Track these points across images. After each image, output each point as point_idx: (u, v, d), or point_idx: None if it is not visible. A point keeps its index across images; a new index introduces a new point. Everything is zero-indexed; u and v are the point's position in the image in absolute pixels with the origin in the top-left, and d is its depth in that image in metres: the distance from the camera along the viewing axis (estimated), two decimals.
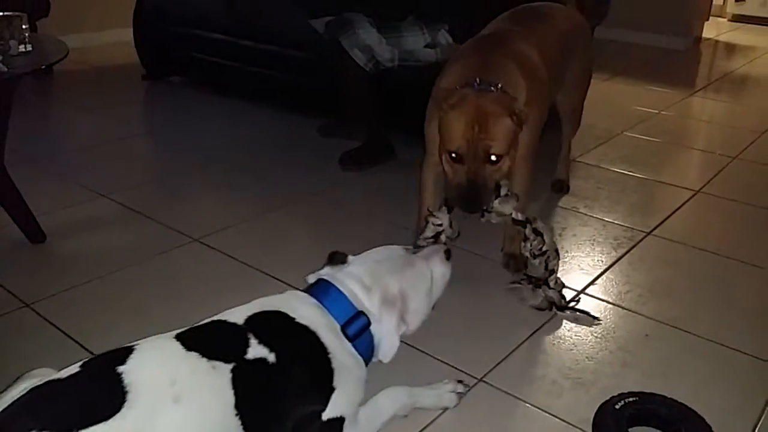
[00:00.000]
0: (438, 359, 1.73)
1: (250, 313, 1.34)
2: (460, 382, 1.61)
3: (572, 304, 1.96)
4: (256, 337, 1.28)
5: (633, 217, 2.60)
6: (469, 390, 1.62)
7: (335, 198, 2.69)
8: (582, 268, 2.23)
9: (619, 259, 2.29)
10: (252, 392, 1.22)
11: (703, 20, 6.37)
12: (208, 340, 1.27)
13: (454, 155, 1.77)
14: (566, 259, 2.28)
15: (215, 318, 1.34)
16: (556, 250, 1.94)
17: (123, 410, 1.08)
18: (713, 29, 6.72)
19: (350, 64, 2.87)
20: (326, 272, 1.49)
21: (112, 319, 1.88)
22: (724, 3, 7.41)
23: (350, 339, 1.40)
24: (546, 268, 1.91)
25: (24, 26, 2.29)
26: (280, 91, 3.71)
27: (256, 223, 2.47)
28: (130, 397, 1.10)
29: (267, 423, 1.26)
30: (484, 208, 1.80)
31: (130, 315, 1.90)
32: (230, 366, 1.21)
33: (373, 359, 1.47)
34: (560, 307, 1.92)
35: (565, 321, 1.93)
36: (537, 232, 1.86)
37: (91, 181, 2.74)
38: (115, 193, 2.64)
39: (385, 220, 2.49)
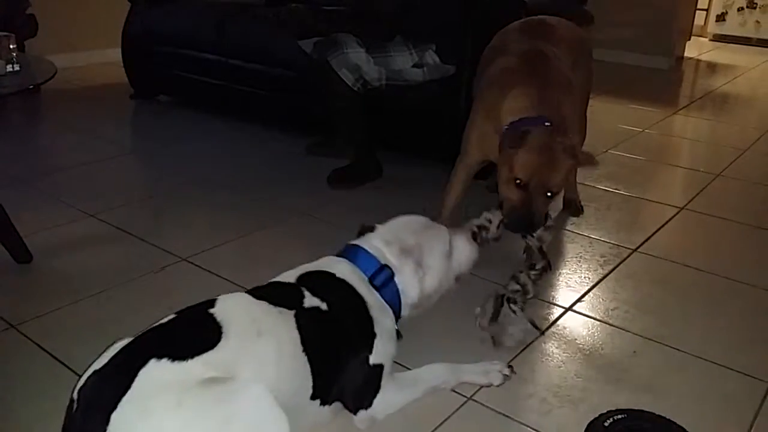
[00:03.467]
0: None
1: (298, 273, 1.57)
2: (509, 366, 1.74)
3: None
4: (309, 290, 1.50)
5: (619, 234, 2.62)
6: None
7: (324, 216, 2.70)
8: (569, 285, 2.24)
9: (605, 276, 2.30)
10: (312, 334, 1.42)
11: (685, 40, 6.47)
12: (271, 294, 1.47)
13: (518, 181, 1.93)
14: (553, 277, 2.29)
15: (270, 281, 1.57)
16: (549, 262, 1.97)
17: (222, 341, 1.28)
18: (695, 49, 6.82)
19: (339, 83, 2.88)
20: (356, 240, 1.71)
21: (99, 341, 1.83)
22: (705, 23, 7.53)
23: (377, 289, 1.61)
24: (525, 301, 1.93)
25: (12, 46, 2.30)
26: (269, 110, 3.72)
27: (245, 241, 2.47)
28: (224, 330, 1.30)
29: (326, 362, 1.45)
30: (531, 231, 1.94)
31: (117, 336, 1.88)
32: (293, 311, 1.43)
33: (403, 313, 1.68)
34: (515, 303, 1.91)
35: (553, 339, 1.93)
36: (543, 270, 1.92)
37: (78, 201, 2.73)
38: (102, 213, 2.63)
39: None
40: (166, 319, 1.35)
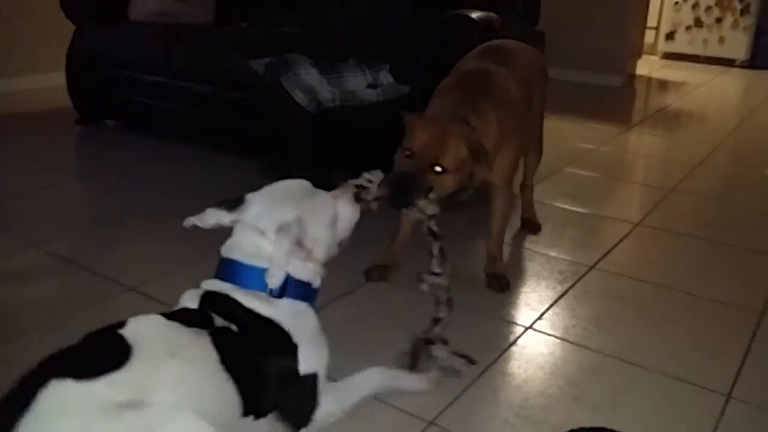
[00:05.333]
0: (386, 403, 1.68)
1: (200, 294, 1.48)
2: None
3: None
4: (216, 314, 1.42)
5: (576, 251, 2.63)
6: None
7: None
8: (528, 304, 2.23)
9: (564, 293, 2.29)
10: (230, 351, 1.35)
11: (636, 58, 6.62)
12: (181, 317, 1.39)
13: (407, 152, 1.93)
14: (512, 295, 2.28)
15: (177, 309, 1.47)
16: (450, 300, 1.83)
17: (131, 362, 1.20)
18: (646, 66, 6.98)
19: (292, 104, 2.85)
20: (228, 245, 1.56)
21: None
22: (655, 41, 7.73)
23: (279, 296, 1.47)
24: (436, 311, 1.83)
25: None
26: (220, 133, 3.66)
27: (196, 268, 2.36)
28: (134, 351, 1.22)
29: (250, 379, 1.37)
30: (410, 202, 1.88)
31: None
32: (207, 331, 1.36)
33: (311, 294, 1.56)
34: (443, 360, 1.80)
35: (513, 358, 1.91)
36: (443, 254, 1.85)
37: (20, 232, 2.62)
38: (46, 243, 2.53)
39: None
40: (72, 343, 1.27)
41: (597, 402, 1.73)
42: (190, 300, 1.48)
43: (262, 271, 1.46)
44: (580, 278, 2.40)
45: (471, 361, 1.81)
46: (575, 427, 1.60)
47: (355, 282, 2.28)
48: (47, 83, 4.85)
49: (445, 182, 1.92)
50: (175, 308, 1.47)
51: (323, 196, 1.61)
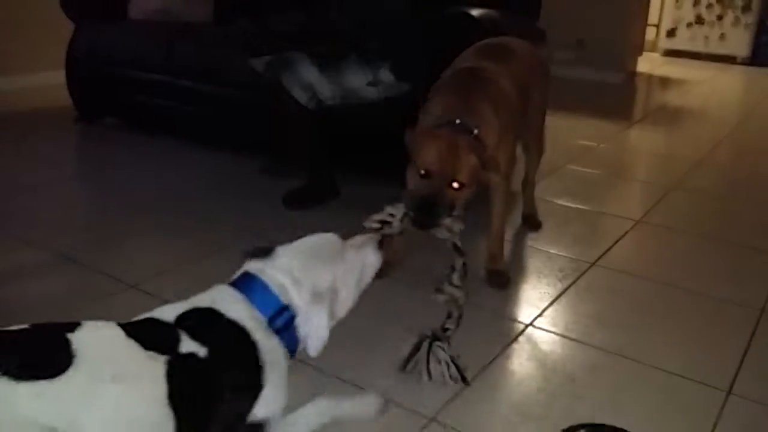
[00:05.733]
0: (387, 400, 1.68)
1: (180, 311, 1.35)
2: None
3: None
4: (188, 333, 1.29)
5: (577, 248, 2.63)
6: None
7: (279, 238, 2.63)
8: (529, 301, 2.23)
9: (565, 290, 2.30)
10: (184, 386, 1.24)
11: (637, 55, 6.62)
12: (144, 333, 1.27)
13: (423, 172, 1.94)
14: (513, 292, 2.28)
15: (147, 316, 1.35)
16: (460, 317, 1.81)
17: (69, 372, 1.09)
18: (647, 64, 6.98)
19: (292, 102, 2.85)
20: (254, 266, 1.47)
21: None
22: (656, 38, 7.73)
23: (276, 332, 1.40)
24: (444, 323, 1.81)
25: None
26: (220, 131, 3.67)
27: (196, 266, 2.40)
28: (76, 362, 1.11)
29: (197, 419, 1.27)
30: (436, 222, 1.87)
31: None
32: (164, 358, 1.23)
33: (298, 350, 1.48)
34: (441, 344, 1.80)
35: (515, 355, 1.92)
36: (465, 271, 1.83)
37: (21, 229, 2.63)
38: (47, 240, 2.53)
39: None
40: (16, 327, 1.15)
41: (597, 398, 1.73)
42: (168, 312, 1.36)
43: (278, 302, 1.41)
44: (581, 275, 2.40)
45: (463, 378, 1.76)
46: (576, 423, 1.60)
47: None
48: (47, 81, 4.85)
49: (463, 196, 1.95)
50: (144, 317, 1.37)
51: (352, 255, 1.55)
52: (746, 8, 7.13)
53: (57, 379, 1.08)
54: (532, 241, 2.68)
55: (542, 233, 2.75)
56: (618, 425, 1.59)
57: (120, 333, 1.23)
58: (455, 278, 1.78)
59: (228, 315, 1.36)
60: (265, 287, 1.42)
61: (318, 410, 1.55)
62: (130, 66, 3.83)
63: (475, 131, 2.02)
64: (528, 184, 2.80)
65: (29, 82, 4.95)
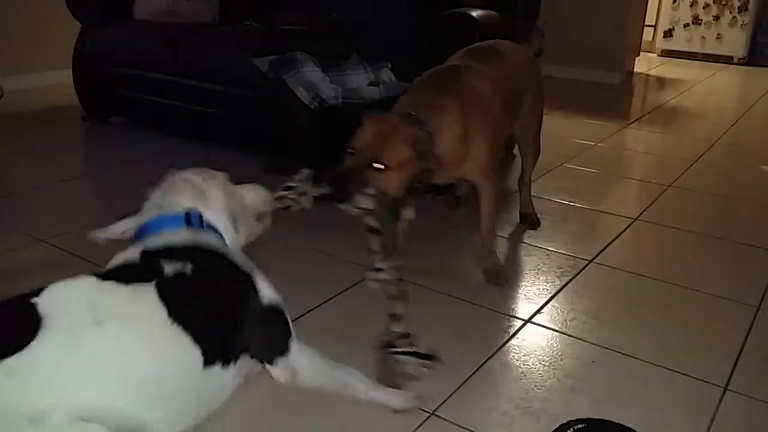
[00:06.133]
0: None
1: (137, 252, 1.38)
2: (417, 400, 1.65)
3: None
4: (165, 258, 1.31)
5: (575, 245, 2.66)
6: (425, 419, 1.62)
7: (279, 236, 2.67)
8: (528, 297, 2.26)
9: (563, 287, 2.33)
10: (183, 300, 1.25)
11: (634, 55, 6.64)
12: (121, 273, 1.29)
13: (351, 150, 1.93)
14: (512, 289, 2.31)
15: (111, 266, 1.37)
16: (405, 292, 1.80)
17: (37, 340, 1.05)
18: (644, 64, 7.01)
19: (295, 102, 2.88)
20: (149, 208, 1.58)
21: None
22: (653, 39, 7.75)
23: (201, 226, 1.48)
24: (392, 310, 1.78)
25: None
26: (225, 131, 3.70)
27: None
28: (45, 325, 1.07)
29: (209, 323, 1.29)
30: (346, 197, 1.84)
31: None
32: (153, 283, 1.24)
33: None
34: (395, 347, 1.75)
35: (513, 351, 1.95)
36: (385, 249, 1.82)
37: (30, 226, 2.66)
38: (55, 238, 2.56)
39: (331, 255, 2.48)
40: None
41: (595, 394, 1.76)
42: (128, 253, 1.39)
43: (181, 215, 1.48)
44: (579, 272, 2.44)
45: (435, 359, 1.73)
46: (574, 418, 1.63)
47: (357, 276, 2.30)
48: (54, 80, 4.88)
49: (388, 180, 1.89)
50: (111, 265, 1.37)
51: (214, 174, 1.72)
52: (743, 9, 7.16)
53: (26, 349, 1.04)
54: (531, 238, 2.72)
55: (540, 231, 2.78)
56: (616, 421, 1.62)
57: (93, 281, 1.22)
58: (376, 260, 1.78)
59: (182, 241, 1.40)
60: (159, 218, 1.49)
61: (351, 373, 1.58)
62: (136, 66, 3.86)
63: (429, 126, 2.00)
64: (524, 183, 2.81)
65: (36, 82, 4.97)
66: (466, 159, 2.13)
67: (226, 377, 1.33)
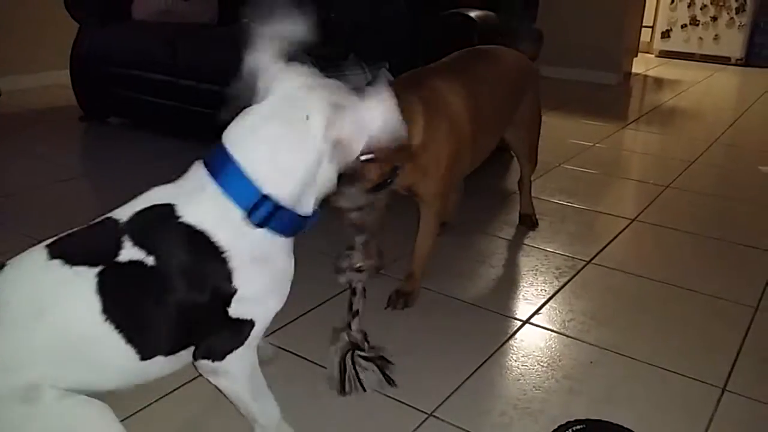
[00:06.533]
0: (386, 395, 1.72)
1: (138, 208, 1.25)
2: None
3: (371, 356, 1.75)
4: (134, 238, 1.18)
5: (573, 246, 2.66)
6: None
7: None
8: (526, 298, 2.26)
9: (561, 287, 2.33)
10: (124, 295, 1.16)
11: (632, 56, 6.65)
12: (78, 245, 1.20)
13: None
14: (510, 290, 2.31)
15: (97, 221, 1.27)
16: (365, 290, 1.75)
17: None
18: (642, 65, 7.02)
19: None
20: (233, 136, 1.27)
21: None
22: (650, 39, 7.76)
23: (259, 225, 1.23)
24: (350, 303, 1.74)
25: None
26: (222, 130, 3.68)
27: None
28: None
29: (155, 323, 1.19)
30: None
31: None
32: (96, 269, 1.15)
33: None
34: (362, 351, 1.72)
35: (511, 352, 1.94)
36: (366, 248, 1.74)
37: (27, 227, 2.65)
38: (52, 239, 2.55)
39: (327, 255, 2.47)
40: None
41: (594, 394, 1.76)
42: (126, 211, 1.26)
43: (255, 190, 1.21)
44: (578, 273, 2.44)
45: (389, 381, 1.72)
46: (572, 419, 1.63)
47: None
48: (52, 81, 4.88)
49: (370, 171, 1.80)
50: (102, 217, 1.27)
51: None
52: (740, 10, 7.17)
53: None
54: (529, 239, 2.72)
55: (538, 232, 2.78)
56: (614, 421, 1.62)
57: (40, 260, 1.16)
58: (356, 258, 1.70)
59: (185, 217, 1.21)
60: (238, 171, 1.21)
61: (264, 412, 1.43)
62: (134, 66, 3.85)
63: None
64: (523, 183, 2.79)
65: (34, 82, 4.97)
66: (423, 172, 2.00)
67: (168, 361, 1.25)
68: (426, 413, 1.66)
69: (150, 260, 1.17)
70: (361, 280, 1.71)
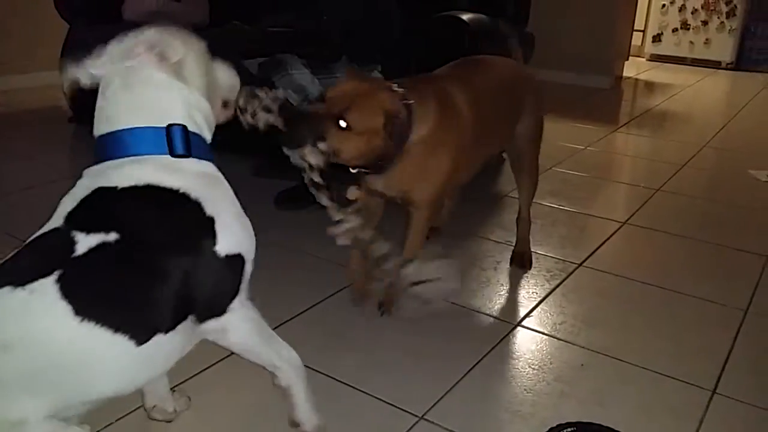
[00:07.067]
0: (377, 398, 1.71)
1: (68, 209, 1.18)
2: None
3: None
4: (82, 229, 1.12)
5: (564, 249, 2.66)
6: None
7: (271, 237, 2.66)
8: (517, 301, 2.26)
9: (552, 290, 2.33)
10: (96, 285, 1.09)
11: (623, 60, 6.67)
12: (19, 268, 1.10)
13: (324, 98, 1.79)
14: (501, 292, 2.31)
15: (29, 240, 1.18)
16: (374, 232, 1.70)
17: None
18: (633, 68, 7.05)
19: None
20: (101, 118, 1.30)
21: None
22: (642, 43, 7.80)
23: (186, 154, 1.23)
24: (368, 254, 1.68)
25: None
26: (213, 132, 3.67)
27: None
28: None
29: (140, 297, 1.13)
30: (294, 144, 1.69)
31: None
32: (54, 276, 1.06)
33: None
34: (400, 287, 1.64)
35: (503, 355, 1.94)
36: (337, 199, 1.69)
37: (16, 229, 2.63)
38: None
39: (319, 258, 2.47)
40: None
41: (584, 397, 1.76)
42: (53, 222, 1.19)
43: (157, 128, 1.22)
44: (569, 276, 2.44)
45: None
46: (563, 422, 1.63)
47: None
48: (41, 81, 4.84)
49: (346, 142, 1.74)
50: (25, 243, 1.18)
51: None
52: (731, 14, 7.21)
53: None
54: None
55: (530, 234, 2.77)
56: (605, 424, 1.62)
57: None
58: (332, 214, 1.67)
59: (122, 184, 1.18)
60: (134, 132, 1.23)
61: (281, 355, 1.39)
62: None
63: (413, 109, 1.83)
64: (522, 220, 2.51)
65: (23, 83, 4.93)
66: (417, 175, 1.93)
67: (172, 341, 1.18)
68: (417, 416, 1.65)
69: (111, 237, 1.11)
70: (355, 227, 1.65)
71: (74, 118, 4.15)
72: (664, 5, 7.54)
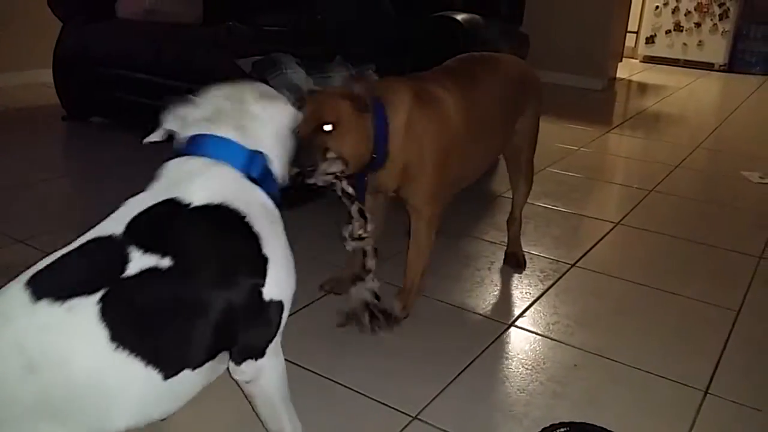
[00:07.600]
0: (371, 398, 1.71)
1: (132, 215, 1.13)
2: None
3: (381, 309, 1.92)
4: (140, 245, 1.06)
5: (558, 249, 2.67)
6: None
7: None
8: (511, 301, 2.26)
9: (546, 291, 2.33)
10: (137, 312, 1.03)
11: (617, 61, 6.70)
12: (65, 275, 1.04)
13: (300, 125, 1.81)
14: (495, 292, 2.31)
15: (89, 237, 1.12)
16: (375, 249, 1.85)
17: None
18: (626, 70, 7.07)
19: None
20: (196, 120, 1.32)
21: None
22: (635, 45, 7.82)
23: (259, 183, 1.23)
24: (364, 263, 1.88)
25: None
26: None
27: None
28: None
29: (181, 330, 1.08)
30: (310, 166, 1.72)
31: None
32: (97, 296, 1.00)
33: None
34: (373, 306, 1.90)
35: (496, 355, 1.94)
36: (362, 215, 1.79)
37: (7, 226, 2.62)
38: (33, 239, 2.52)
39: (311, 258, 2.47)
40: None
41: (577, 397, 1.77)
42: (115, 223, 1.15)
43: (244, 148, 1.23)
44: (562, 276, 2.44)
45: (388, 317, 1.89)
46: (556, 422, 1.63)
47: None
48: (35, 80, 4.82)
49: (340, 140, 1.77)
50: (85, 240, 1.14)
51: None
52: (724, 16, 7.25)
53: None
54: None
55: (523, 235, 2.76)
56: (598, 424, 1.62)
57: (23, 301, 1.00)
58: (355, 228, 1.76)
59: (195, 201, 1.14)
60: (218, 139, 1.23)
61: (291, 417, 1.38)
62: (118, 65, 3.81)
63: (383, 103, 1.86)
64: (513, 220, 2.50)
65: (16, 80, 4.92)
66: (412, 175, 1.94)
67: (196, 378, 1.13)
68: (410, 416, 1.65)
69: (165, 263, 1.05)
70: (367, 245, 1.81)
71: (68, 116, 4.13)
72: (657, 7, 7.56)
